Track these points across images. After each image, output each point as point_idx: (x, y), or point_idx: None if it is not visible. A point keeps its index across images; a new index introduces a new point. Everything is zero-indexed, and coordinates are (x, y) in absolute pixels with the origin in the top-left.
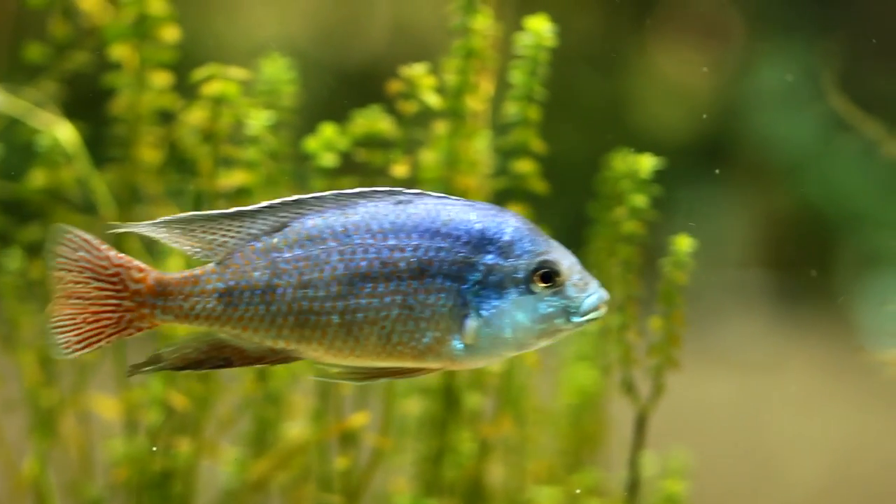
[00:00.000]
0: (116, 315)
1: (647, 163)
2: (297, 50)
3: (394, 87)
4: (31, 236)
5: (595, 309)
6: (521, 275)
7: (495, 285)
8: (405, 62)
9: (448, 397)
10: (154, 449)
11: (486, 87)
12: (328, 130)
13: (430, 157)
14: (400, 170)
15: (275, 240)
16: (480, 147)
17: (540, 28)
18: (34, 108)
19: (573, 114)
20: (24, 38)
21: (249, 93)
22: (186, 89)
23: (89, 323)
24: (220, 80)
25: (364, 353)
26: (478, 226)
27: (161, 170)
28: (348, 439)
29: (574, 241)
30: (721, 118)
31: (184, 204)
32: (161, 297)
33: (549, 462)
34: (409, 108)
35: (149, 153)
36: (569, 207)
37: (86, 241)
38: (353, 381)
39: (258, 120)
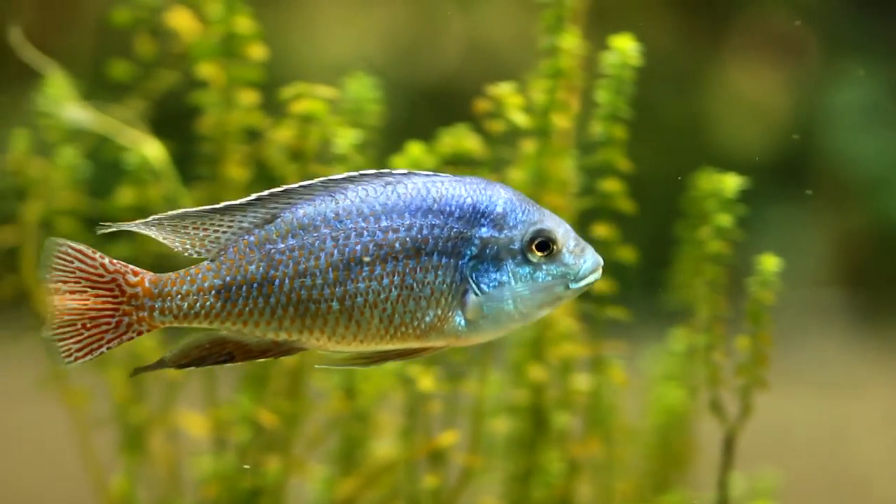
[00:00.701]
0: (114, 319)
1: (732, 182)
2: (373, 68)
3: (480, 105)
4: (119, 253)
5: (592, 273)
6: (517, 245)
7: (492, 258)
8: (479, 80)
9: (537, 417)
10: (246, 467)
11: (573, 105)
12: (415, 149)
13: (517, 176)
14: None
15: (267, 232)
16: (567, 166)
17: (625, 47)
18: (122, 126)
19: (651, 131)
20: (111, 56)
21: (335, 111)
22: (271, 107)
23: (88, 329)
24: (307, 99)
25: (367, 337)
26: (469, 200)
27: (248, 187)
28: (437, 458)
29: (657, 261)
30: (799, 136)
31: None
32: (158, 299)
33: (637, 482)
34: (496, 126)
35: (236, 171)
36: (649, 226)
37: (79, 251)
38: (358, 366)
39: (345, 139)
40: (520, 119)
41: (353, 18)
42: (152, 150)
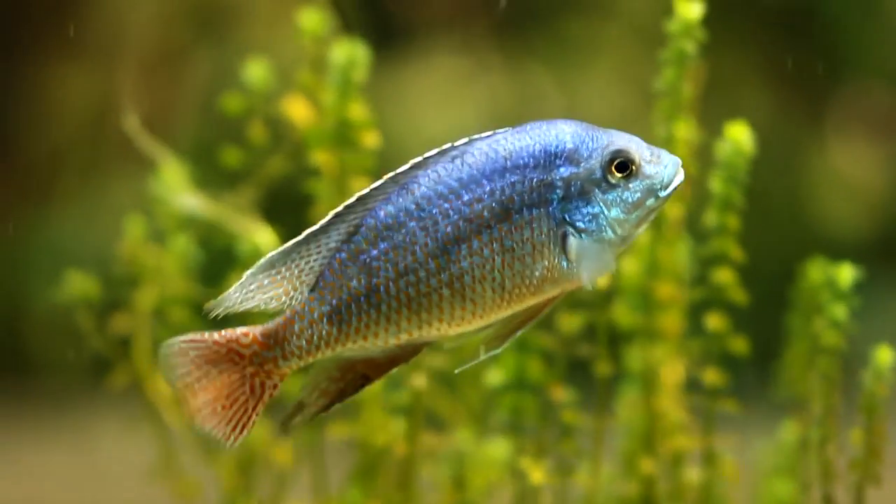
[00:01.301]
0: (248, 385)
1: (846, 273)
2: None
3: None
4: None
5: (676, 175)
6: (598, 174)
7: (579, 194)
8: None
9: None
10: None
11: (687, 193)
12: None
13: (630, 266)
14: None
15: (356, 244)
16: (681, 255)
17: (739, 136)
18: (234, 214)
19: (752, 211)
20: (223, 141)
21: None
22: None
23: (230, 408)
24: None
25: (485, 310)
26: (538, 146)
27: None
28: None
29: (764, 350)
30: None
31: None
32: (276, 347)
33: None
34: None
35: None
36: (754, 311)
37: (189, 340)
38: (494, 350)
39: None
40: None
41: (452, 95)
42: (264, 238)
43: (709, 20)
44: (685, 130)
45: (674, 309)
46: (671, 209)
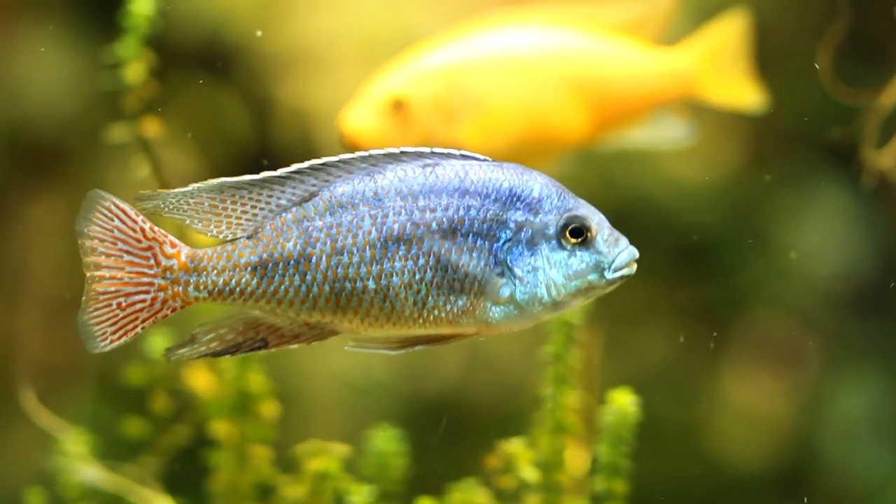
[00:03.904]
0: (150, 296)
1: None
2: (373, 379)
3: (491, 462)
4: None
5: (628, 265)
6: (551, 230)
7: (527, 242)
8: (481, 391)
9: None
10: None
11: (582, 457)
12: None
13: None
14: None
15: (305, 209)
16: None
17: (624, 403)
18: (134, 485)
19: (646, 441)
20: (126, 415)
21: (356, 466)
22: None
23: (124, 308)
24: (322, 456)
25: (400, 320)
26: (506, 184)
27: None
28: None
29: None
30: (797, 446)
31: None
32: (194, 273)
33: None
34: (507, 482)
35: None
36: None
37: (122, 210)
38: (388, 350)
39: (360, 496)
40: (530, 475)
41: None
42: None
43: None
44: (570, 398)
45: None
46: (564, 477)
